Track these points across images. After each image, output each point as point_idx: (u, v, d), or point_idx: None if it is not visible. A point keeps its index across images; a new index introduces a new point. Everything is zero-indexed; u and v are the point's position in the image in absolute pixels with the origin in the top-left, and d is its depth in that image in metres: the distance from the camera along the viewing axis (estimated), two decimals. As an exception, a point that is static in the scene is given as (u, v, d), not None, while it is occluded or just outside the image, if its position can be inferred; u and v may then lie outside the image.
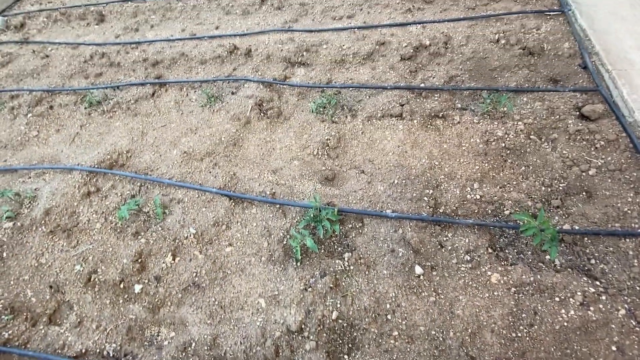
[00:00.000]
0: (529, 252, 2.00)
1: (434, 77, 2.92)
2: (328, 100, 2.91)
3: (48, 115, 3.45)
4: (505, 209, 2.15)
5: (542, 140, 2.41)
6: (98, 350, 1.97)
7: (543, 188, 2.20)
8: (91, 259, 2.32)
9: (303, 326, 1.84)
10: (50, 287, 2.26)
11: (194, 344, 1.90)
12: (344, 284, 1.97)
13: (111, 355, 1.95)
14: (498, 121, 2.54)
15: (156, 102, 3.30)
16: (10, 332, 2.12)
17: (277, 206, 2.37)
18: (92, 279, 2.23)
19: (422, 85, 2.86)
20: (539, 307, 1.79)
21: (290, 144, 2.75)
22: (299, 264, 2.07)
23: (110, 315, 2.08)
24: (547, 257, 1.97)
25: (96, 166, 2.84)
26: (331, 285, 1.94)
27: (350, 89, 2.98)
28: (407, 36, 3.27)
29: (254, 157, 2.73)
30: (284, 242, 2.18)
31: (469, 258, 1.98)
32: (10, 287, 2.31)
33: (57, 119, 3.40)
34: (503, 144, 2.40)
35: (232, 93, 3.21)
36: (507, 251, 2.01)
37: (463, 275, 1.94)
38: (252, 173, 2.62)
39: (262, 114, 2.98)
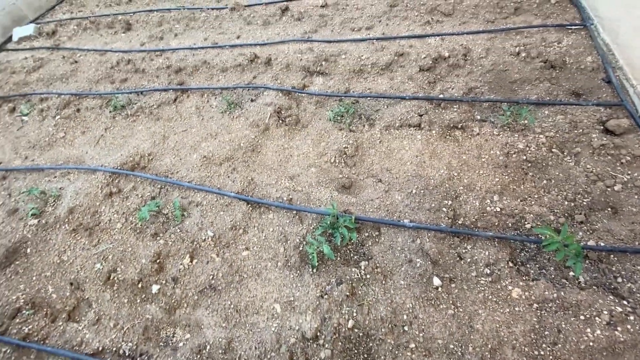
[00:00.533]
0: (552, 268, 1.95)
1: (452, 89, 2.92)
2: (346, 109, 2.93)
3: (75, 118, 3.58)
4: (526, 222, 2.11)
5: (565, 154, 2.36)
6: (114, 349, 2.00)
7: (566, 203, 2.16)
8: (111, 258, 2.37)
9: (318, 334, 1.83)
10: (71, 284, 2.31)
11: (208, 347, 1.90)
12: (360, 292, 1.95)
13: (127, 354, 1.97)
14: (519, 133, 2.52)
15: (178, 108, 3.39)
16: (30, 327, 2.18)
17: (294, 212, 2.39)
18: (111, 278, 2.27)
19: (441, 96, 2.86)
20: (563, 325, 1.74)
21: (307, 151, 2.78)
22: (315, 270, 2.06)
23: (128, 315, 2.11)
24: (571, 273, 1.91)
25: (119, 168, 2.92)
26: (347, 294, 1.92)
27: (368, 98, 3.01)
28: (426, 48, 3.29)
29: (272, 163, 2.76)
30: (300, 248, 2.18)
31: (488, 271, 1.94)
32: (32, 283, 2.38)
33: (83, 122, 3.53)
34: (524, 157, 2.37)
35: (252, 100, 3.28)
36: (528, 266, 1.97)
37: (483, 288, 1.90)
38: (270, 179, 2.65)
39: (280, 121, 3.03)
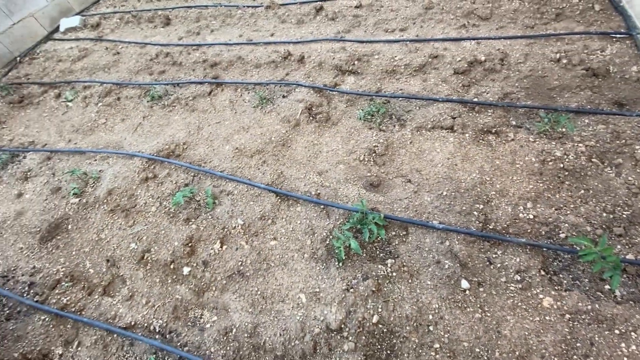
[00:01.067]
0: (586, 280, 1.89)
1: (487, 93, 2.88)
2: (377, 108, 2.95)
3: (115, 106, 3.76)
4: (560, 231, 2.06)
5: (605, 164, 2.28)
6: (146, 325, 2.09)
7: (604, 214, 2.08)
8: (145, 239, 2.48)
9: (343, 326, 1.85)
10: (107, 260, 2.44)
11: (234, 330, 1.96)
12: (385, 289, 1.96)
13: (157, 330, 2.06)
14: (556, 141, 2.45)
15: (212, 100, 3.50)
16: (68, 298, 2.31)
17: (322, 207, 2.42)
18: (145, 258, 2.38)
19: (475, 99, 2.82)
20: (596, 338, 1.68)
21: (336, 148, 2.81)
22: (341, 264, 2.09)
23: (159, 293, 2.21)
24: (607, 286, 1.85)
25: (155, 154, 3.05)
26: (373, 289, 1.94)
27: (400, 99, 3.01)
28: (461, 51, 3.26)
29: (301, 158, 2.81)
30: (327, 242, 2.21)
31: (519, 278, 1.90)
32: (71, 257, 2.52)
33: (123, 110, 3.70)
34: (561, 165, 2.31)
35: (284, 96, 3.34)
36: (561, 275, 1.92)
37: (512, 295, 1.86)
38: (299, 173, 2.70)
39: (311, 118, 3.07)
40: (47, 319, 2.22)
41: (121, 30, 5.17)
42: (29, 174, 3.22)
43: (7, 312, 2.31)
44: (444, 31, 3.57)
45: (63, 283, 2.38)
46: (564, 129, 2.51)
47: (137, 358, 1.98)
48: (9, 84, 4.50)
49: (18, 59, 5.07)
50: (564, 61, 2.92)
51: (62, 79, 4.40)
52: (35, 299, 2.31)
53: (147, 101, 3.69)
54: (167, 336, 2.03)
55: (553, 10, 3.45)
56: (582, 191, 2.20)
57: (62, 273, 2.43)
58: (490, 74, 3.01)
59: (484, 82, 2.97)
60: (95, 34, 5.23)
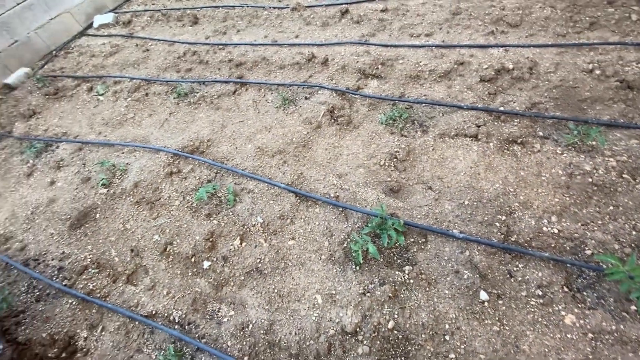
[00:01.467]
0: (611, 299, 1.83)
1: (514, 102, 2.82)
2: (399, 113, 2.94)
3: (143, 101, 3.90)
4: (586, 248, 2.00)
5: (637, 181, 2.20)
6: (166, 315, 2.17)
7: (634, 232, 2.01)
8: (168, 232, 2.56)
9: (358, 329, 1.86)
10: (131, 250, 2.53)
11: (251, 326, 2.00)
12: (402, 296, 1.96)
13: (176, 321, 2.13)
14: (585, 155, 2.38)
15: (236, 99, 3.58)
16: (94, 284, 2.42)
17: (340, 209, 2.44)
18: (167, 250, 2.46)
19: (502, 108, 2.78)
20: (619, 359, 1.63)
21: (357, 152, 2.82)
22: (358, 268, 2.10)
23: (180, 285, 2.28)
24: (633, 307, 1.78)
25: (180, 150, 3.14)
26: (390, 295, 1.94)
27: (423, 104, 2.99)
28: (488, 58, 3.21)
29: (321, 160, 2.83)
30: (344, 245, 2.23)
31: (540, 293, 1.86)
32: (98, 245, 2.63)
33: (151, 105, 3.83)
34: (590, 179, 2.24)
35: (306, 98, 3.38)
36: (585, 293, 1.86)
37: (532, 310, 1.83)
38: (318, 174, 2.72)
39: (332, 120, 3.10)
40: (74, 303, 2.33)
41: (151, 27, 5.34)
42: (61, 163, 3.37)
43: (37, 293, 2.44)
44: (471, 37, 3.52)
45: (90, 269, 2.49)
46: (594, 142, 2.44)
47: (157, 346, 2.05)
48: (45, 76, 4.73)
49: (54, 52, 5.31)
50: (597, 72, 2.83)
51: (94, 73, 4.58)
52: (63, 283, 2.43)
53: (174, 98, 3.80)
54: (186, 327, 2.09)
55: (587, 19, 3.35)
56: (611, 207, 2.13)
57: (89, 260, 2.55)
58: (518, 82, 2.95)
59: (511, 90, 2.91)
60: (127, 31, 5.42)
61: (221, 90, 3.71)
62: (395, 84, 3.27)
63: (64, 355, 2.10)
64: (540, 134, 2.61)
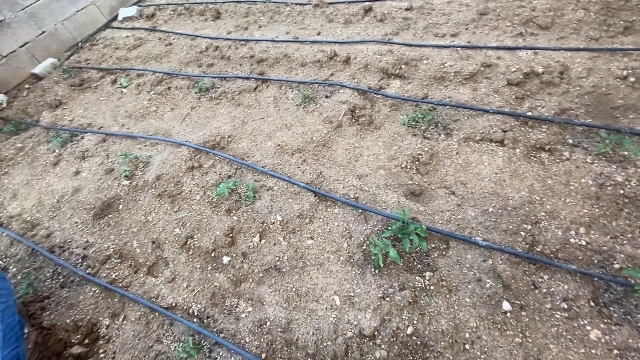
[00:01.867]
0: (639, 315, 1.77)
1: (543, 107, 2.74)
2: (422, 115, 2.90)
3: (166, 95, 3.95)
4: (615, 262, 1.94)
5: (672, 194, 2.12)
6: (185, 307, 2.20)
7: (667, 248, 1.94)
8: (189, 225, 2.60)
9: (376, 333, 1.86)
10: (153, 242, 2.58)
11: (269, 323, 2.02)
12: (422, 302, 1.94)
13: (195, 314, 2.17)
14: (617, 165, 2.30)
15: (257, 96, 3.59)
16: (116, 273, 2.48)
17: (360, 211, 2.43)
18: (187, 243, 2.50)
19: (530, 113, 2.70)
20: (649, 381, 1.58)
21: (378, 153, 2.80)
22: (377, 271, 2.09)
23: (199, 279, 2.31)
24: (664, 327, 1.72)
25: (201, 145, 3.18)
26: (410, 300, 1.93)
27: (447, 107, 2.93)
28: (516, 61, 3.12)
29: (341, 160, 2.82)
30: (364, 247, 2.22)
31: (566, 306, 1.82)
32: (121, 235, 2.69)
33: (173, 99, 3.88)
34: (621, 191, 2.17)
35: (327, 97, 3.36)
36: (612, 308, 1.81)
37: (557, 323, 1.78)
38: (338, 175, 2.71)
39: (353, 120, 3.07)
40: (97, 291, 2.39)
41: (174, 21, 5.40)
42: (86, 153, 3.46)
43: (62, 280, 2.52)
44: (499, 39, 3.43)
45: (112, 259, 2.55)
46: (626, 153, 2.35)
47: (176, 338, 2.10)
48: (71, 67, 4.85)
49: (79, 44, 5.43)
50: (632, 79, 2.72)
51: (118, 65, 4.67)
52: (87, 271, 2.50)
53: (195, 92, 3.84)
54: (205, 321, 2.13)
55: (621, 22, 3.21)
56: (644, 221, 2.06)
57: (112, 249, 2.61)
58: (548, 87, 2.86)
59: (540, 95, 2.83)
60: (150, 24, 5.49)
61: (242, 86, 3.73)
62: (418, 84, 3.22)
63: (86, 341, 2.16)
64: (570, 141, 2.53)
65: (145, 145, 3.39)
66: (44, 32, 5.07)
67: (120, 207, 2.88)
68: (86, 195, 3.04)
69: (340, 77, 3.53)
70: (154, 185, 2.94)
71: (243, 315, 2.10)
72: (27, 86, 4.75)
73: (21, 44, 4.83)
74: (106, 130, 3.68)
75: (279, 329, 1.98)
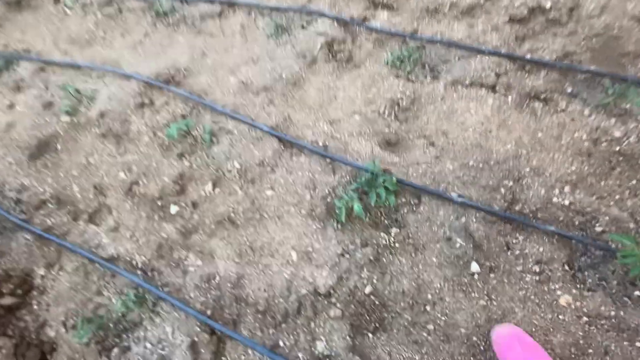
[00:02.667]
0: (614, 282, 1.66)
1: (544, 50, 2.39)
2: (409, 53, 2.51)
3: (116, 18, 3.37)
4: (597, 224, 1.78)
5: (671, 153, 1.91)
6: (128, 259, 2.00)
7: (655, 212, 1.78)
8: (135, 170, 2.30)
9: (332, 291, 1.70)
10: (95, 187, 2.30)
11: (218, 278, 1.85)
12: (385, 260, 1.77)
13: (139, 266, 1.97)
14: (616, 119, 2.05)
15: (222, 23, 3.08)
16: (53, 220, 2.21)
17: (328, 160, 2.16)
18: (132, 189, 2.22)
19: (528, 56, 2.36)
20: (612, 347, 1.50)
21: (354, 95, 2.46)
22: (340, 226, 1.88)
23: (144, 229, 2.08)
24: (637, 293, 1.61)
25: (153, 78, 2.75)
26: (371, 258, 1.75)
27: (438, 44, 2.54)
28: (522, -6, 2.67)
29: (313, 102, 2.48)
30: (328, 200, 1.99)
31: (537, 269, 1.68)
32: (59, 179, 2.39)
33: (124, 24, 3.32)
34: (616, 148, 1.94)
35: (302, 27, 2.89)
36: (586, 273, 1.68)
37: (526, 286, 1.66)
38: (307, 119, 2.40)
39: (330, 56, 2.67)
40: (31, 239, 2.15)
41: None
42: (21, 83, 2.98)
43: (-6, 225, 2.25)
44: (506, -34, 2.92)
45: (49, 204, 2.27)
46: (628, 105, 2.09)
47: (117, 290, 1.92)
48: (6, -20, 4.07)
49: (17, -48, 4.54)
50: (650, 20, 2.36)
51: (62, -20, 3.93)
52: (20, 217, 2.23)
53: (151, 17, 3.27)
54: (149, 273, 1.94)
55: (650, -48, 2.74)
56: (635, 181, 1.87)
57: (48, 194, 2.32)
58: (553, 26, 2.48)
59: (544, 36, 2.46)
60: None
61: (205, 11, 3.17)
62: (408, 17, 2.77)
63: (19, 291, 1.97)
64: (569, 90, 2.24)
65: (91, 77, 2.93)
66: None
67: (59, 147, 2.53)
68: (21, 132, 2.65)
69: (319, 4, 3.02)
70: (97, 123, 2.56)
71: (191, 269, 1.91)
72: (-48, 1, 4.00)
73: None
74: (45, 58, 3.16)
75: (229, 284, 1.81)
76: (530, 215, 1.82)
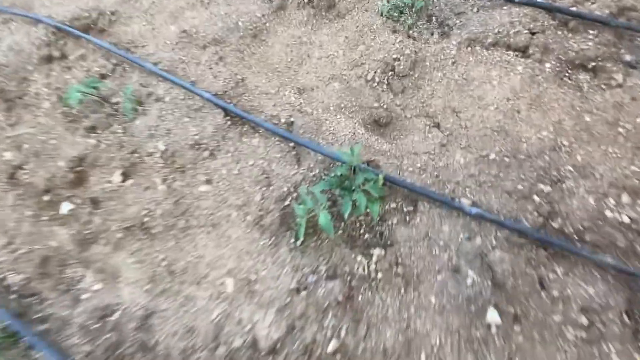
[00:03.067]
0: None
1: (595, 2, 1.74)
2: (411, 1, 1.84)
3: (32, -56, 2.57)
4: (670, 252, 1.22)
5: None
6: (0, 277, 1.41)
7: None
8: (27, 148, 1.66)
9: (278, 347, 1.14)
10: (-31, 170, 1.66)
11: (118, 314, 1.27)
12: (360, 299, 1.21)
13: (13, 288, 1.38)
14: (698, 99, 1.46)
15: (167, -46, 2.32)
16: None
17: (292, 145, 1.55)
18: (16, 176, 1.59)
19: (574, 9, 1.71)
20: None
21: (335, 54, 1.82)
22: (298, 244, 1.30)
23: (29, 233, 1.48)
24: None
25: (68, 23, 2.04)
26: (339, 298, 1.18)
27: (451, -9, 1.88)
28: None
29: (278, 62, 1.84)
30: (286, 203, 1.40)
31: (585, 322, 1.14)
32: None
33: (42, -48, 2.53)
34: (699, 141, 1.36)
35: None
36: (652, 326, 1.15)
37: (567, 347, 1.12)
38: (269, 85, 1.76)
39: (306, 0, 1.99)
40: None
41: None
42: None
43: None
44: None
45: None
46: None
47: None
48: None
49: None
50: None
51: None
52: None
53: (78, -56, 2.49)
54: (26, 300, 1.36)
55: None
56: None
57: None
58: (610, -32, 1.81)
59: (596, -19, 1.80)
60: None
61: (147, -63, 2.40)
62: (412, -47, 2.07)
63: None
64: (627, 58, 1.63)
65: (-8, 21, 2.20)
66: None
67: None
68: None
69: None
70: (-16, 80, 1.88)
71: (85, 296, 1.33)
72: None
73: None
74: None
75: (131, 325, 1.24)
76: (575, 236, 1.26)
